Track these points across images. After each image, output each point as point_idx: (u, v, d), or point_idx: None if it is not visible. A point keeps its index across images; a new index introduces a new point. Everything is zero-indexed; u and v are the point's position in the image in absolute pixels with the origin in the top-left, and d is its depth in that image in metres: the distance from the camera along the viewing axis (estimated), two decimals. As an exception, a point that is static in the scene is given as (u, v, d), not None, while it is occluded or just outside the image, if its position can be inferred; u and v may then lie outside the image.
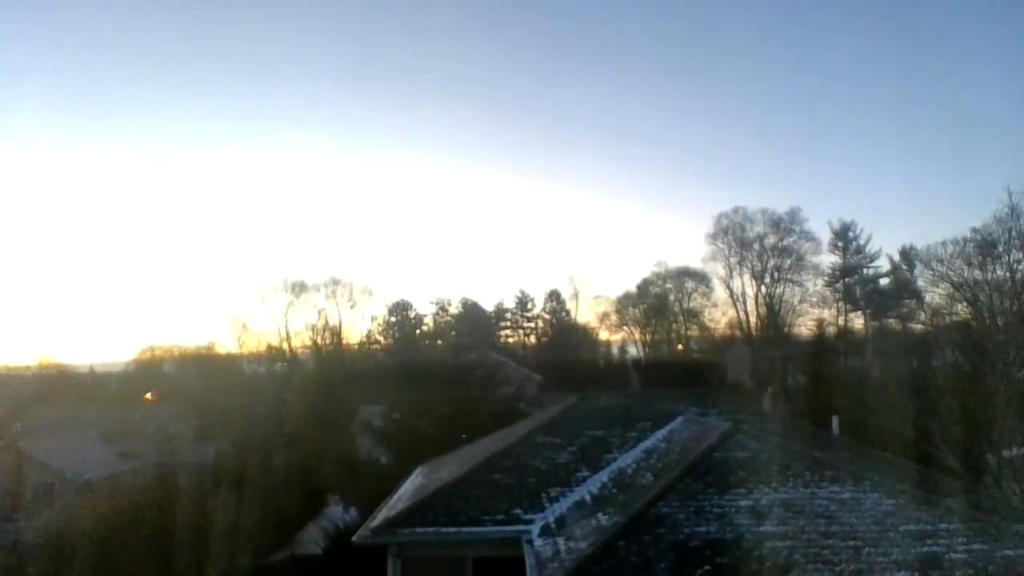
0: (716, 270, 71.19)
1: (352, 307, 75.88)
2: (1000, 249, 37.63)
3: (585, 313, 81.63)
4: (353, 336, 76.72)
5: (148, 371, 76.21)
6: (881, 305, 69.12)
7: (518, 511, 14.61)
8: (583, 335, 78.15)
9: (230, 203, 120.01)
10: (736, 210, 69.20)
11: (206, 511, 20.98)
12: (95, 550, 18.86)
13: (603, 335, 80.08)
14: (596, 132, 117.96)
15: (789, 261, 67.70)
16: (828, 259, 70.91)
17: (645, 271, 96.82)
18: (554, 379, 53.97)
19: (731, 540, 11.17)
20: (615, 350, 78.34)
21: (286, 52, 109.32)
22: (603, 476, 15.62)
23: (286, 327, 74.44)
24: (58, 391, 62.81)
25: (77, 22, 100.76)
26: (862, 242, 71.34)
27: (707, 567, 10.63)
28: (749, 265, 68.97)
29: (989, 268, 37.91)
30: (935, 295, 43.74)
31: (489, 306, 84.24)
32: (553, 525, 13.77)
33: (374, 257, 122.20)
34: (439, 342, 79.18)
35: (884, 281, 72.13)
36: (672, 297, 75.75)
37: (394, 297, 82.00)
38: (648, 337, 77.27)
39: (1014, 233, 36.41)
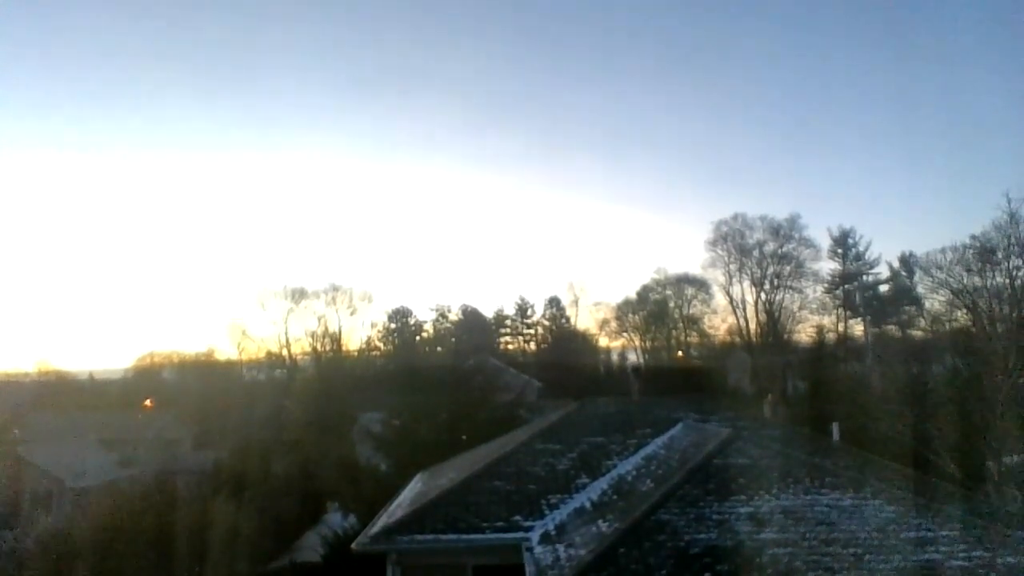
0: (716, 277, 71.21)
1: (352, 314, 75.88)
2: (999, 256, 37.59)
3: (585, 320, 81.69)
4: (353, 343, 76.82)
5: (147, 378, 76.15)
6: (881, 312, 69.13)
7: (518, 518, 14.58)
8: (583, 342, 78.05)
9: (230, 209, 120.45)
10: (736, 217, 69.29)
11: (205, 518, 20.98)
12: (94, 557, 18.85)
13: (603, 342, 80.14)
14: (596, 138, 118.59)
15: (789, 268, 67.65)
16: (828, 266, 71.06)
17: (645, 278, 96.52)
18: (554, 385, 53.90)
19: (731, 547, 11.15)
20: (615, 357, 78.35)
21: (287, 57, 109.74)
22: (603, 483, 15.60)
23: (286, 334, 74.45)
24: (57, 398, 62.74)
25: (77, 24, 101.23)
26: (861, 249, 71.57)
27: (707, 574, 10.62)
28: (749, 272, 68.97)
29: (988, 275, 37.86)
30: (934, 302, 43.65)
31: (489, 313, 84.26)
32: (553, 532, 13.75)
33: (374, 264, 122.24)
34: (439, 349, 79.12)
35: (884, 288, 72.21)
36: (672, 304, 75.72)
37: (394, 304, 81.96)
38: (648, 344, 77.19)
39: (1013, 240, 36.40)
